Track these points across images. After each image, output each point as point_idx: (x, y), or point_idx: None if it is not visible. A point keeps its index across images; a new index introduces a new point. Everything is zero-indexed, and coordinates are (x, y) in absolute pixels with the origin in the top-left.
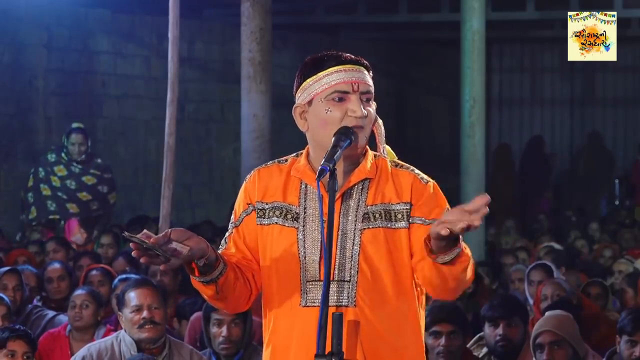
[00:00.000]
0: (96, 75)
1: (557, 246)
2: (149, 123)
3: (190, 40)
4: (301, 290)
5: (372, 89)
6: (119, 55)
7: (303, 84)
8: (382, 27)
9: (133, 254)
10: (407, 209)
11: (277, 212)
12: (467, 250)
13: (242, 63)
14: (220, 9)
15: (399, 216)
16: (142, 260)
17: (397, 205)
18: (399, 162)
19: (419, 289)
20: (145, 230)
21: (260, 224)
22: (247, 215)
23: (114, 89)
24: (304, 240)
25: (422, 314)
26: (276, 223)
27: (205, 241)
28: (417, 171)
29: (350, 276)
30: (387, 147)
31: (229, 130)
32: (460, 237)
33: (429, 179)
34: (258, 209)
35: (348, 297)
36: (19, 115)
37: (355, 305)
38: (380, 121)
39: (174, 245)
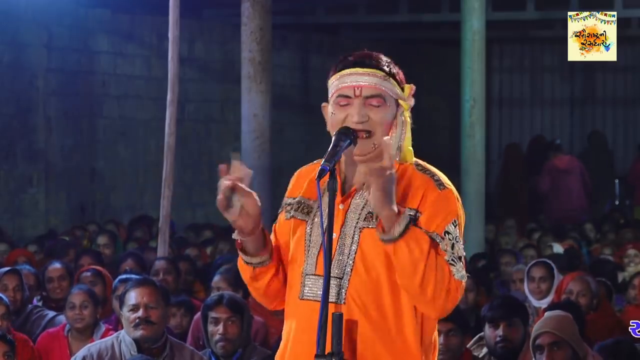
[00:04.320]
0: (96, 75)
1: (558, 249)
2: (149, 123)
3: (190, 40)
4: (301, 283)
5: (383, 92)
6: (119, 55)
7: (328, 84)
8: (382, 27)
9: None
10: (411, 215)
11: (296, 206)
12: (425, 245)
13: (242, 63)
14: (220, 9)
15: None
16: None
17: (403, 209)
18: (426, 166)
19: None
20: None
21: (286, 219)
22: (280, 213)
23: (114, 89)
24: (310, 234)
25: (422, 316)
26: (293, 216)
27: (262, 230)
28: (437, 177)
29: (344, 273)
30: (411, 150)
31: (229, 130)
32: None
33: (448, 185)
34: (286, 204)
35: (338, 294)
36: (19, 115)
37: (344, 303)
38: (403, 122)
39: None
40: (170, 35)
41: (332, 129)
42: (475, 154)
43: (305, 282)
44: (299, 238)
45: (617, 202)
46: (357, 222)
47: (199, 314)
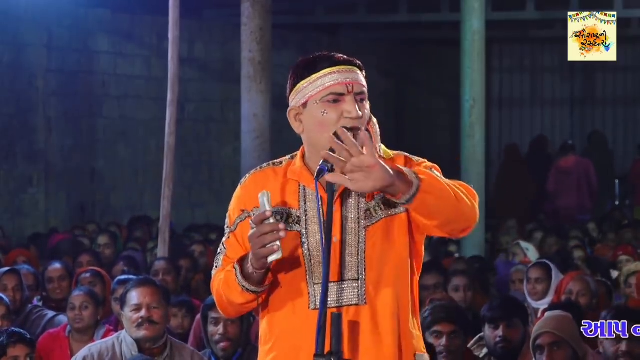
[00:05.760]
0: (96, 75)
1: (527, 245)
2: (149, 123)
3: (190, 40)
4: (309, 293)
5: (366, 89)
6: (119, 55)
7: (296, 87)
8: (382, 27)
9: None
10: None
11: (278, 217)
12: (430, 180)
13: (242, 63)
14: (220, 9)
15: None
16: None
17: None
18: (392, 152)
19: (414, 267)
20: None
21: None
22: (241, 221)
23: (114, 89)
24: (308, 243)
25: (415, 288)
26: None
27: None
28: (409, 155)
29: (359, 274)
30: (382, 146)
31: (229, 130)
32: (412, 172)
33: (424, 160)
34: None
35: (359, 295)
36: (19, 115)
37: (365, 303)
38: (375, 120)
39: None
40: (170, 35)
41: (322, 128)
42: (475, 154)
43: (316, 292)
44: (293, 249)
45: (617, 202)
46: (358, 222)
47: (199, 315)
